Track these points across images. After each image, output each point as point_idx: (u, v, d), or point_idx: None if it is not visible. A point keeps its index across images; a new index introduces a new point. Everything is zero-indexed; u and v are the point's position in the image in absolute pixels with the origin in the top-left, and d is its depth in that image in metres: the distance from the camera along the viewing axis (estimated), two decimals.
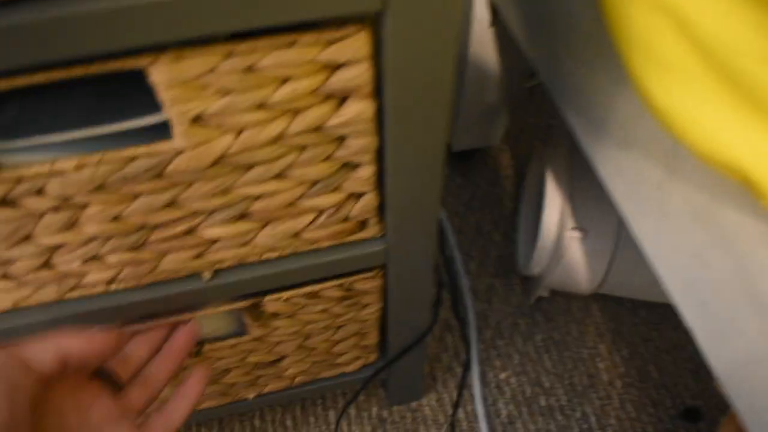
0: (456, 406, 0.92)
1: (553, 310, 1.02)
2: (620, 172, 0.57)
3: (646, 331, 1.01)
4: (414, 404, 0.93)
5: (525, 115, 1.28)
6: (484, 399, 0.92)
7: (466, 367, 0.94)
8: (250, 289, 0.53)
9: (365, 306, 0.63)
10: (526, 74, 1.29)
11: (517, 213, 1.12)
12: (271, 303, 0.56)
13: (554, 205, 0.85)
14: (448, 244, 1.06)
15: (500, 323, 1.00)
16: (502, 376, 0.95)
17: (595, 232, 0.86)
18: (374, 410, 0.92)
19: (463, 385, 0.94)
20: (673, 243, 0.52)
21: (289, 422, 0.91)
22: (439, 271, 0.93)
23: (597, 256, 0.87)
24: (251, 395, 0.76)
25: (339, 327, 0.66)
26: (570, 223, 0.85)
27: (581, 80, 0.62)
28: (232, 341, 0.61)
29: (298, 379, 0.76)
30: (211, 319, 0.58)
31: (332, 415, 0.91)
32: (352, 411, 0.92)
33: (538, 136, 1.25)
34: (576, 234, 0.84)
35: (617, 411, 0.93)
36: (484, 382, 0.94)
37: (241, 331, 0.60)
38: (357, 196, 0.48)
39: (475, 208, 1.13)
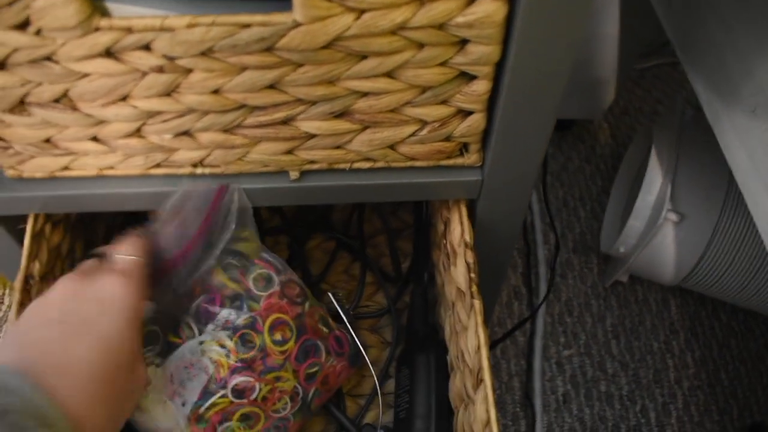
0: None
1: (629, 297, 0.97)
2: (745, 143, 0.53)
3: (725, 336, 0.95)
4: None
5: (631, 97, 1.22)
6: (543, 373, 0.89)
7: (530, 337, 0.91)
8: (334, 199, 0.51)
9: None
10: (643, 53, 1.22)
11: (608, 192, 1.07)
12: None
13: (654, 182, 0.80)
14: (530, 211, 1.02)
15: (571, 300, 0.96)
16: (565, 353, 0.92)
17: (692, 220, 0.81)
18: None
19: (524, 355, 0.91)
20: None
21: None
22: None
23: (690, 245, 0.82)
24: None
25: None
26: (668, 205, 0.81)
27: (721, 43, 0.57)
28: None
29: None
30: None
31: None
32: None
33: (641, 120, 1.19)
34: (672, 217, 0.79)
35: (679, 412, 0.89)
36: (546, 356, 0.91)
37: None
38: (465, 114, 0.45)
39: (563, 180, 1.08)
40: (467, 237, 0.53)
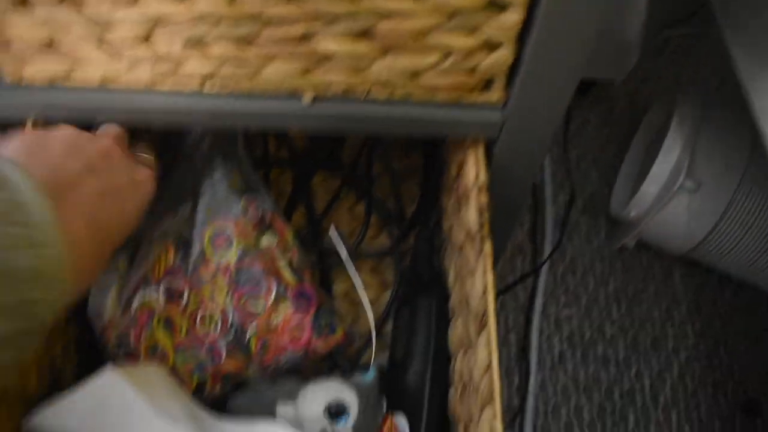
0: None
1: (634, 263, 0.96)
2: None
3: (727, 312, 0.94)
4: None
5: (653, 65, 1.18)
6: (540, 330, 0.88)
7: (531, 293, 0.90)
8: (347, 128, 0.49)
9: None
10: (671, 20, 1.19)
11: (622, 157, 1.04)
12: None
13: (674, 149, 0.78)
14: (540, 169, 1.00)
15: (575, 260, 0.95)
16: (565, 313, 0.91)
17: (708, 189, 0.79)
18: None
19: (523, 311, 0.90)
20: None
21: None
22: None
23: (703, 215, 0.80)
24: None
25: None
26: (685, 172, 0.78)
27: (763, 5, 0.55)
28: None
29: None
30: None
31: None
32: None
33: (660, 89, 1.16)
34: (689, 184, 0.77)
35: (674, 381, 0.88)
36: (544, 314, 0.90)
37: None
38: (492, 46, 0.43)
39: (578, 142, 1.06)
40: (482, 178, 0.51)
